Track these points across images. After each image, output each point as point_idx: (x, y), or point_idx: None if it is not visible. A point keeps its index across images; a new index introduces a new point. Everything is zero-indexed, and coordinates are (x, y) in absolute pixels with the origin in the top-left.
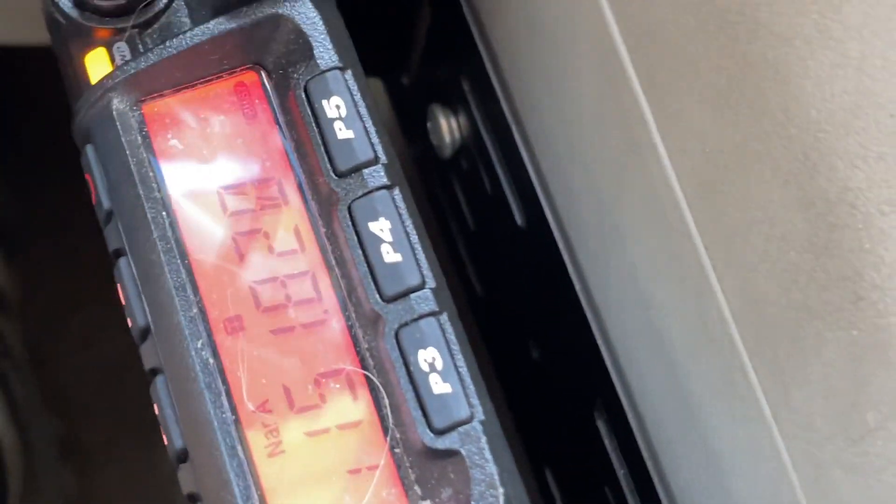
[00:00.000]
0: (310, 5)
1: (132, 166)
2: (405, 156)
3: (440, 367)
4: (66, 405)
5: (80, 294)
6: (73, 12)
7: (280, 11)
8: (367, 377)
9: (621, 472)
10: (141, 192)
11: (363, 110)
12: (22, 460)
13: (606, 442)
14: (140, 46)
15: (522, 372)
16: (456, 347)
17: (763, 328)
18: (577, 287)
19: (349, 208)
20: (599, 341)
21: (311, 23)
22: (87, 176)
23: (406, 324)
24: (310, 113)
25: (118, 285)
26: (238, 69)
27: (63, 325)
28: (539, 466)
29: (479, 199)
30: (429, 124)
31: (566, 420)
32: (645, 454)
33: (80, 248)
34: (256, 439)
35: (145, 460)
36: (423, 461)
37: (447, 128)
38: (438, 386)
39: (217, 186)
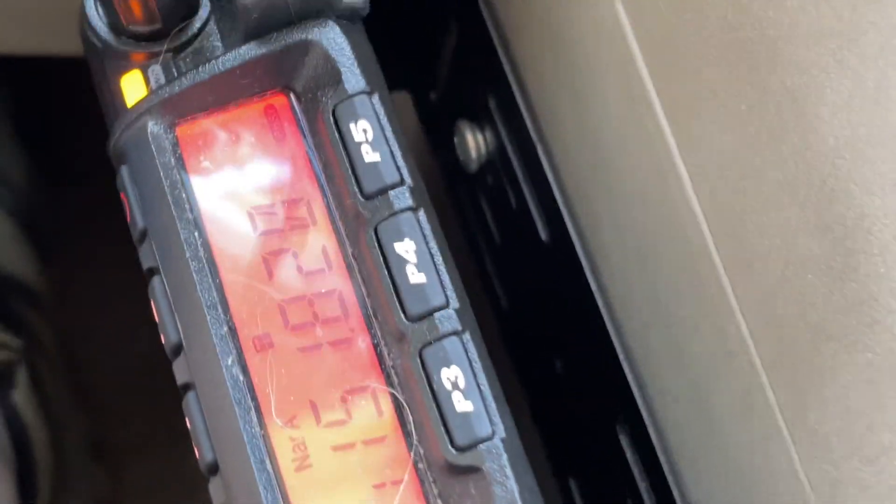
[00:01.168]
0: (338, 31)
1: (166, 187)
2: (433, 168)
3: (462, 385)
4: (97, 405)
5: (112, 295)
6: (109, 37)
7: (309, 37)
8: (392, 394)
9: (643, 486)
10: (174, 212)
11: (389, 133)
12: (53, 458)
13: (628, 455)
14: (174, 70)
15: (547, 384)
16: (478, 366)
17: (781, 349)
18: (600, 302)
19: (375, 229)
20: (621, 356)
21: (339, 48)
22: (122, 196)
23: (430, 343)
24: (337, 136)
25: (152, 302)
26: (268, 92)
27: (95, 325)
28: (564, 476)
29: (505, 214)
30: (455, 139)
31: (589, 432)
32: (666, 468)
33: (112, 250)
34: (284, 453)
35: (175, 462)
36: (446, 477)
37: (473, 143)
38: (461, 404)
39: (247, 206)
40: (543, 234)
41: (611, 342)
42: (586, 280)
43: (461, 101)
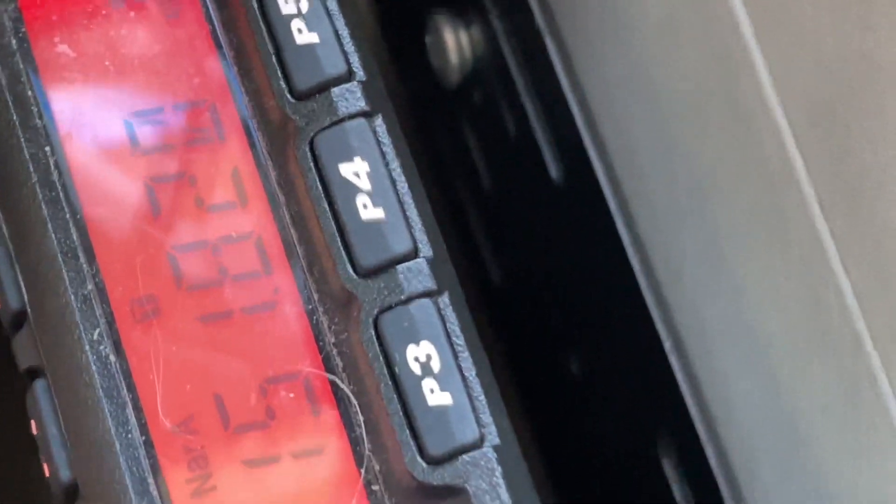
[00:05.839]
0: None
1: (3, 82)
2: (394, 84)
3: (437, 368)
4: None
5: None
6: None
7: None
8: (333, 384)
9: None
10: (15, 117)
11: (332, 4)
12: None
13: (675, 489)
14: None
15: (555, 387)
16: (460, 342)
17: None
18: (637, 268)
19: (311, 143)
20: (667, 345)
21: None
22: None
23: (390, 307)
24: (256, 7)
25: None
26: None
27: None
28: None
29: (499, 146)
30: (428, 40)
31: (617, 458)
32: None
33: None
34: (176, 471)
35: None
36: (414, 503)
37: (454, 44)
38: (435, 396)
39: (124, 112)
40: (555, 172)
41: (652, 326)
42: (616, 235)
43: None
